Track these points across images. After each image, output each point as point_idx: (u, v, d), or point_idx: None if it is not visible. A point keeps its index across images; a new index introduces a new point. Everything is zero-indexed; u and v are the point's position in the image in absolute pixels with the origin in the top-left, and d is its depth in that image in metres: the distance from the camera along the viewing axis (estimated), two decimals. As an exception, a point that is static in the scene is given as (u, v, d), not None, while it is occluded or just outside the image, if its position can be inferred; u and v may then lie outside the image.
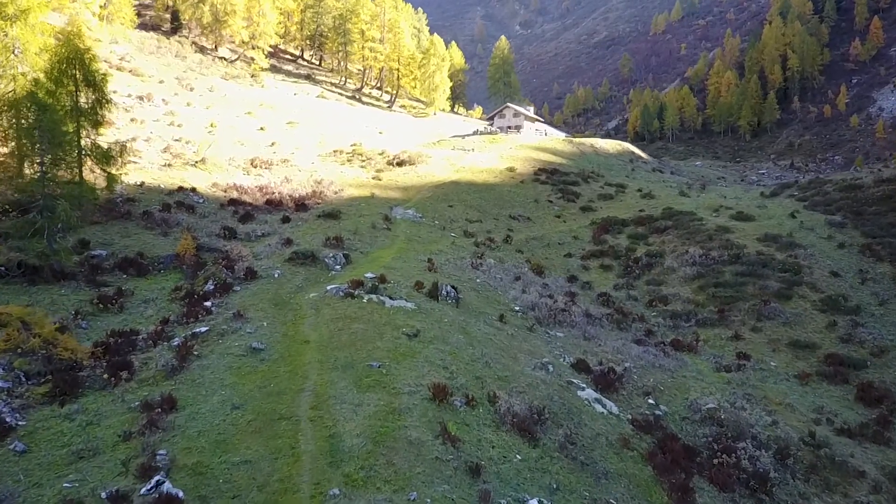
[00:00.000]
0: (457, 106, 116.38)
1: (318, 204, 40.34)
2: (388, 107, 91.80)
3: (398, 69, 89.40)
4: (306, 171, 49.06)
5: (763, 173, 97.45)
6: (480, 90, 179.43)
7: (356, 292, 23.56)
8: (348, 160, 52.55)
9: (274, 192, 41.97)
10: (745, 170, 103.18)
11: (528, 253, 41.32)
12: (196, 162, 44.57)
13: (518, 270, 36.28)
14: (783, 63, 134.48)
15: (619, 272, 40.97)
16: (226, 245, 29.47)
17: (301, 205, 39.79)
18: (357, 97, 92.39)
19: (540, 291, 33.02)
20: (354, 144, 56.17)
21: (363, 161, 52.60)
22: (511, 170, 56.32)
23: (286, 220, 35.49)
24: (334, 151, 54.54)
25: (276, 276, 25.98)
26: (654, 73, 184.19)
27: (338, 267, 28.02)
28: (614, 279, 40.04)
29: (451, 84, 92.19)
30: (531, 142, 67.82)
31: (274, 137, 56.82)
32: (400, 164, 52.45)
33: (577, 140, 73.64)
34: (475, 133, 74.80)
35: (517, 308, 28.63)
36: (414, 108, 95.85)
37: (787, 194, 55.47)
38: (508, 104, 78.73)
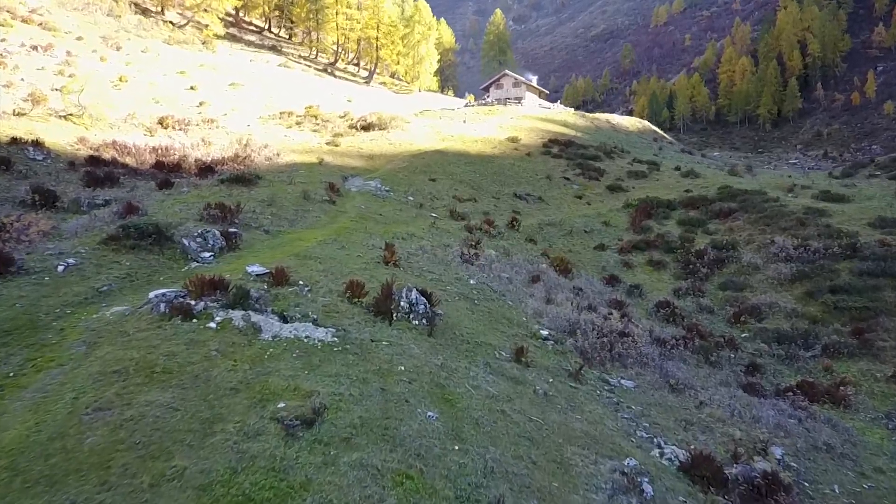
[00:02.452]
0: (446, 90, 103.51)
1: (239, 169, 27.13)
2: (366, 82, 78.71)
3: (377, 39, 76.36)
4: (237, 134, 35.84)
5: (794, 163, 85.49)
6: (473, 85, 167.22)
7: (203, 306, 10.48)
8: (297, 123, 39.42)
9: (174, 154, 28.76)
10: (771, 161, 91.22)
11: (544, 243, 28.36)
12: (68, 115, 31.27)
13: (534, 268, 23.30)
14: (802, 49, 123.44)
15: (676, 271, 28.11)
16: (21, 216, 16.24)
17: (207, 169, 26.62)
18: (330, 71, 79.23)
19: (574, 300, 20.09)
20: (309, 107, 43.06)
21: (317, 124, 39.49)
22: (513, 140, 43.46)
23: (165, 184, 22.27)
24: (281, 114, 41.39)
25: (61, 269, 12.80)
26: (657, 63, 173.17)
27: (207, 254, 14.84)
28: (672, 281, 27.20)
29: (438, 58, 79.21)
30: (536, 113, 55.04)
31: (206, 98, 43.68)
32: (366, 128, 39.43)
33: (591, 115, 61.05)
34: (467, 105, 61.88)
35: (544, 332, 15.60)
36: (396, 85, 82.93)
37: (866, 174, 43.07)
38: (507, 72, 65.87)
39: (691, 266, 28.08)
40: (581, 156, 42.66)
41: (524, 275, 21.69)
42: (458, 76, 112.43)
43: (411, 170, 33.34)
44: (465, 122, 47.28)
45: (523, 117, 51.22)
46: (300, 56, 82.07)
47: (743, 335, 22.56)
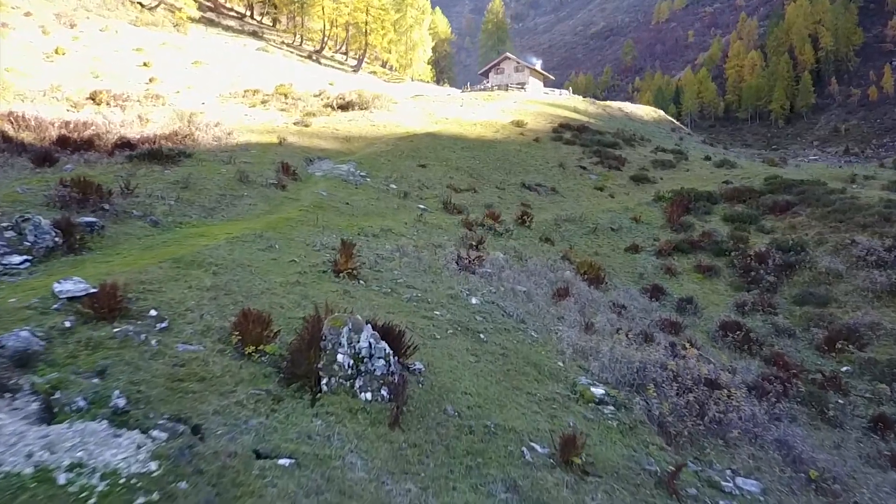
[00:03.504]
0: (441, 82, 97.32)
1: (166, 147, 20.82)
2: (354, 71, 72.45)
3: (366, 23, 70.14)
4: (189, 111, 29.54)
5: (815, 159, 79.72)
6: (470, 81, 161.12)
7: None
8: (263, 102, 33.09)
9: (89, 130, 22.49)
10: (788, 157, 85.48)
11: (564, 243, 22.19)
12: (-36, 81, 25.01)
13: (556, 276, 17.10)
14: (814, 43, 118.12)
15: (733, 279, 21.96)
16: None
17: (126, 146, 20.33)
18: (315, 59, 72.99)
19: (620, 323, 13.90)
20: (280, 86, 36.76)
21: (287, 103, 33.16)
22: (519, 124, 37.27)
23: (44, 160, 15.94)
24: (246, 92, 35.08)
25: None
26: (660, 60, 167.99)
27: (19, 258, 8.56)
28: (730, 292, 21.05)
29: (432, 44, 73.08)
30: (542, 99, 48.89)
31: (159, 75, 37.38)
32: (344, 107, 33.18)
33: (602, 103, 54.93)
34: (463, 92, 55.67)
35: (597, 390, 9.33)
36: (386, 74, 76.73)
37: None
38: (508, 55, 59.59)
39: (752, 273, 21.88)
40: (598, 142, 36.48)
41: (546, 286, 15.46)
42: (453, 69, 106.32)
43: (396, 153, 27.11)
44: (462, 105, 41.11)
45: (528, 102, 45.07)
46: (283, 43, 75.91)
47: (844, 369, 16.39)
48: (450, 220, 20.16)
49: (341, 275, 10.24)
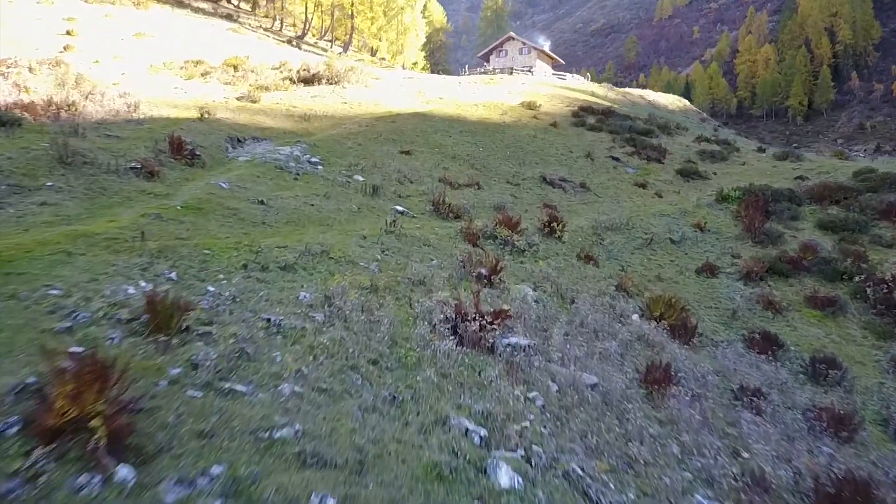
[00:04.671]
0: (436, 73, 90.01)
1: (53, 119, 13.44)
2: (339, 57, 65.00)
3: (353, 5, 62.79)
4: (100, 82, 22.08)
5: (860, 156, 72.90)
6: (468, 64, 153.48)
7: None
8: (204, 74, 25.66)
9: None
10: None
11: (612, 263, 14.98)
12: None
13: (628, 330, 9.73)
14: (831, 37, 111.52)
15: (866, 318, 14.65)
16: None
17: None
18: (295, 44, 65.48)
19: (780, 449, 6.48)
20: (233, 58, 29.30)
21: (234, 76, 25.74)
22: (531, 106, 29.97)
23: None
24: (186, 63, 27.62)
25: None
26: (665, 56, 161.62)
27: None
28: (871, 339, 13.80)
29: (427, 30, 65.84)
30: (554, 82, 41.58)
31: (84, 45, 29.96)
32: (309, 80, 25.85)
33: (621, 89, 47.57)
34: (460, 75, 48.31)
35: None
36: (374, 63, 69.43)
37: None
38: (512, 34, 51.98)
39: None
40: (629, 129, 29.24)
41: (621, 361, 8.14)
42: (449, 62, 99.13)
43: (370, 136, 19.72)
44: (459, 84, 33.77)
45: (539, 84, 37.78)
46: (261, 27, 68.51)
47: None
48: (442, 228, 12.80)
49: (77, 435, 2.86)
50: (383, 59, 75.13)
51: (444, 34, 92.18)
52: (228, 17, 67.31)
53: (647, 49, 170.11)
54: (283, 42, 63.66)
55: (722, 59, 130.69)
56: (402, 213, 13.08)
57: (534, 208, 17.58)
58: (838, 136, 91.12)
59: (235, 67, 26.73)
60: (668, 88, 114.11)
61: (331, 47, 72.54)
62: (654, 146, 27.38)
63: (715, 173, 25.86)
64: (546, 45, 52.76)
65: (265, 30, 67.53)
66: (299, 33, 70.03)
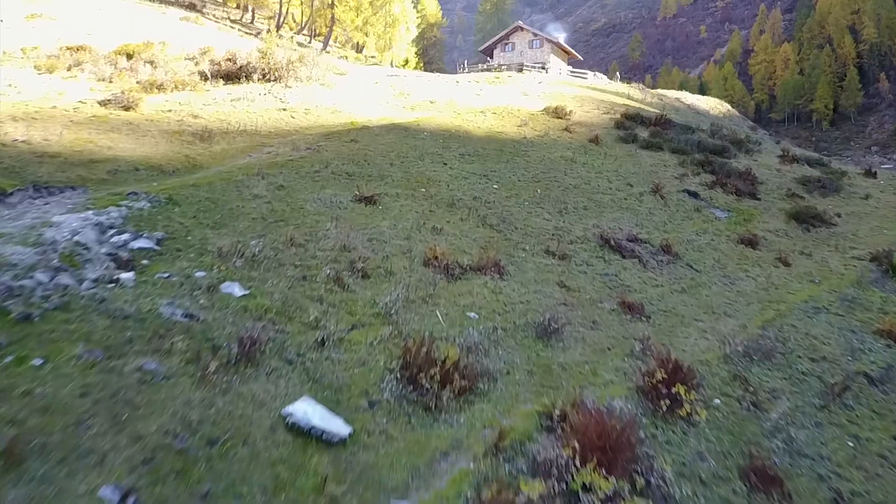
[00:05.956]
0: (430, 71, 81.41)
1: None
2: (318, 54, 56.38)
3: (333, -7, 54.16)
4: None
5: (889, 168, 64.80)
6: (467, 60, 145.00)
7: None
8: (73, 66, 16.94)
9: None
10: (873, 166, 70.79)
11: (799, 468, 6.08)
12: None
13: None
14: (854, 36, 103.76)
15: None
16: None
17: None
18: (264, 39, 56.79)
19: None
20: (128, 45, 20.52)
21: (118, 69, 17.05)
22: (557, 114, 21.46)
23: None
24: (61, 50, 18.85)
25: None
26: (671, 56, 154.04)
27: None
28: None
29: (418, 23, 57.41)
30: (576, 82, 33.07)
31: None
32: (233, 76, 17.24)
33: (654, 91, 39.14)
34: (458, 73, 39.77)
35: None
36: (361, 60, 60.94)
37: None
38: (521, 24, 43.22)
39: None
40: (697, 146, 20.74)
41: None
42: (444, 60, 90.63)
43: (306, 168, 11.05)
44: (457, 83, 25.31)
45: (560, 83, 29.31)
46: (228, 19, 59.79)
47: None
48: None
49: None
50: (372, 56, 66.74)
51: (438, 29, 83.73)
52: (191, 6, 58.55)
53: (652, 49, 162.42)
54: (251, 35, 54.99)
55: (734, 60, 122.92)
56: (306, 431, 4.46)
57: (606, 315, 8.96)
58: (871, 142, 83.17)
59: (129, 56, 18.17)
60: (680, 89, 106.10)
61: (309, 42, 63.96)
62: (740, 172, 18.93)
63: (839, 215, 17.40)
64: (561, 38, 44.14)
65: (232, 21, 58.85)
66: (272, 27, 61.47)
